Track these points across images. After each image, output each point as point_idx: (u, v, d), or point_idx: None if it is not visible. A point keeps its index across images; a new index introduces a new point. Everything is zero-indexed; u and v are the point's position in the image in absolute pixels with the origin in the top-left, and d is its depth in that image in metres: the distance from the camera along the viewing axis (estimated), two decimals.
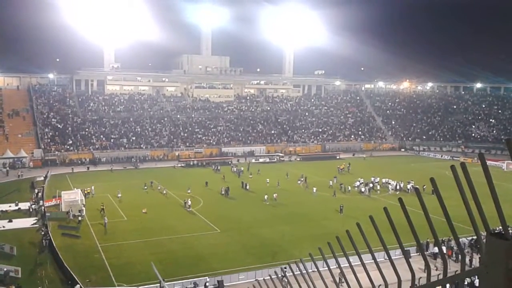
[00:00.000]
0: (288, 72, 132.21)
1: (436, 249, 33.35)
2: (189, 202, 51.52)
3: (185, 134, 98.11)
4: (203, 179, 65.66)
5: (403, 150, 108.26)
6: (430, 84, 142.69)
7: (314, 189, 59.05)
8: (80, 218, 45.72)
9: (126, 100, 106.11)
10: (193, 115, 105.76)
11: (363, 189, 59.56)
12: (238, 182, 63.99)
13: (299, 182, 65.05)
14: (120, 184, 62.06)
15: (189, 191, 57.48)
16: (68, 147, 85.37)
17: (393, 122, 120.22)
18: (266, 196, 54.21)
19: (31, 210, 48.26)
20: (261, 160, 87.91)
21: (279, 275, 7.48)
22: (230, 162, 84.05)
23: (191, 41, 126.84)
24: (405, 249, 4.16)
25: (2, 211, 48.30)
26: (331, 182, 63.11)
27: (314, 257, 6.11)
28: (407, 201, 3.68)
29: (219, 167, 77.66)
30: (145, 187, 61.00)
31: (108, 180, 67.79)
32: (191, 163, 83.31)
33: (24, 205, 50.21)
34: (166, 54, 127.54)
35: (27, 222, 44.57)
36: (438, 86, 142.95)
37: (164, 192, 58.35)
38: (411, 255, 30.78)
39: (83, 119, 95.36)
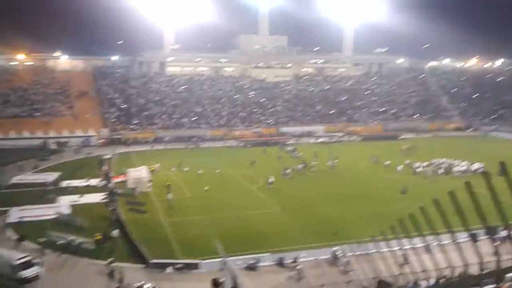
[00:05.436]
0: (347, 50, 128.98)
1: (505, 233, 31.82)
2: (272, 179, 52.56)
3: (244, 114, 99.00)
4: (257, 158, 66.33)
5: (470, 130, 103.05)
6: (501, 60, 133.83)
7: (399, 167, 59.55)
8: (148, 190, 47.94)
9: (186, 81, 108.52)
10: (251, 95, 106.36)
11: (427, 170, 57.58)
12: (297, 162, 63.86)
13: (329, 163, 63.50)
14: (182, 162, 63.83)
15: (173, 169, 60.12)
16: (132, 126, 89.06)
17: (460, 101, 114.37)
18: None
19: (100, 186, 51.20)
20: (320, 140, 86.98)
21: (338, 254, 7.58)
22: (283, 144, 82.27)
23: (249, 21, 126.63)
24: (472, 232, 4.08)
25: (75, 186, 51.49)
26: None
27: (376, 238, 6.12)
28: (476, 183, 3.60)
29: (293, 148, 75.80)
30: (173, 169, 61.18)
31: (172, 158, 69.57)
32: (248, 145, 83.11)
33: (94, 181, 53.33)
34: (224, 35, 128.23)
35: (97, 197, 47.24)
36: (510, 63, 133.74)
37: (200, 171, 58.23)
38: (479, 238, 29.57)
39: (145, 99, 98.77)
